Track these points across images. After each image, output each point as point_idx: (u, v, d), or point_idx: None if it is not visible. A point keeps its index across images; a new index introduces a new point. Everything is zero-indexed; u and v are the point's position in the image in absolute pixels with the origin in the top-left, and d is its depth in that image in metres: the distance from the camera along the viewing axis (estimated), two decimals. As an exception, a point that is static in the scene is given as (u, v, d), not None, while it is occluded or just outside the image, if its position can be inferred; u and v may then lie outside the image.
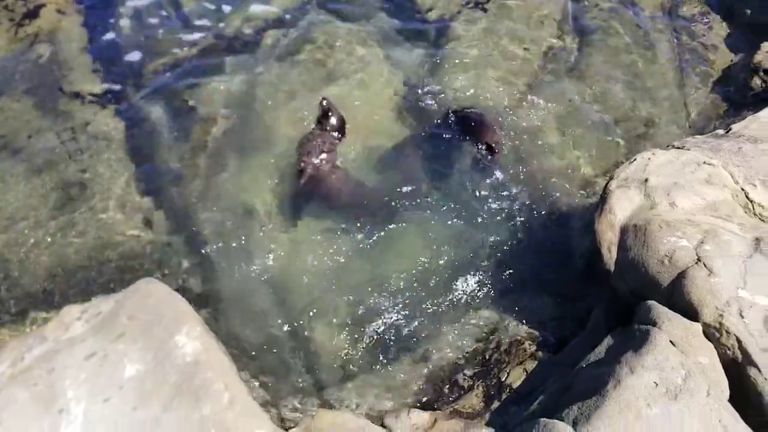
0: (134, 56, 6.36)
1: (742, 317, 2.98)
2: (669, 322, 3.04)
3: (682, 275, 3.20)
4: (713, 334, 3.01)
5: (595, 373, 3.08)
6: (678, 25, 6.48)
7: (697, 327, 3.02)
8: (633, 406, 2.71)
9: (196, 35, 6.59)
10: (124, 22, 6.77)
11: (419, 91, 5.92)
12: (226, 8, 6.91)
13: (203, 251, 4.71)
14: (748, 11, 6.30)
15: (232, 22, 6.74)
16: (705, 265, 3.17)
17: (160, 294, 3.27)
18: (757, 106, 5.02)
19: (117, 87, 6.03)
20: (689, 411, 2.69)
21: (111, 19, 6.78)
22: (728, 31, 6.34)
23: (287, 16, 6.83)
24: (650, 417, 2.68)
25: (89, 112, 5.76)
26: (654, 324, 3.07)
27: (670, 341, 2.97)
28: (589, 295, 4.19)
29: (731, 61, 5.99)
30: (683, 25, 6.48)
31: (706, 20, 6.47)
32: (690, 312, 3.10)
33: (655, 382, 2.79)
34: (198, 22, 6.74)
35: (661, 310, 3.11)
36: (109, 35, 6.60)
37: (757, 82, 5.41)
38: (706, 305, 3.06)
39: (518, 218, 4.85)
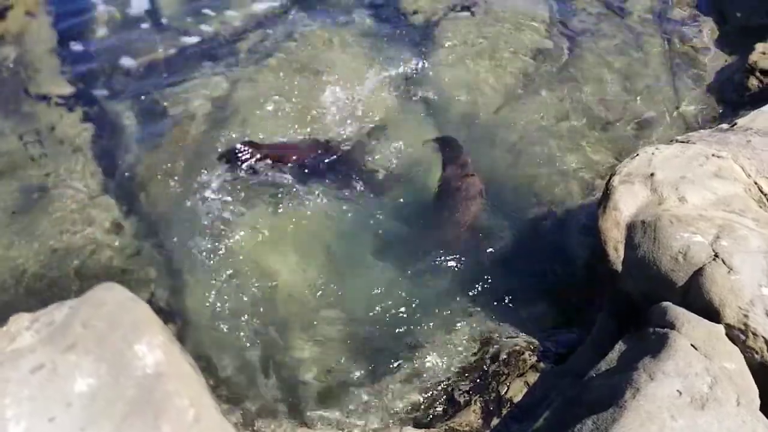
0: (105, 58, 6.03)
1: (769, 317, 2.70)
2: (688, 324, 2.75)
3: (698, 273, 2.93)
4: (738, 336, 2.73)
5: (608, 382, 2.77)
6: (668, 29, 6.35)
7: (720, 329, 2.74)
8: (656, 417, 2.40)
9: (173, 38, 6.30)
10: (97, 25, 6.45)
11: (405, 96, 5.67)
12: (204, 10, 6.62)
13: (174, 261, 4.35)
14: (739, 14, 6.19)
15: (210, 24, 6.46)
16: (724, 262, 2.90)
17: (120, 299, 2.90)
18: (754, 106, 4.81)
19: (86, 89, 5.69)
20: (719, 423, 2.39)
21: (83, 21, 6.46)
22: (719, 33, 6.21)
23: (268, 20, 6.57)
24: (675, 430, 2.37)
25: (56, 114, 5.41)
26: (671, 327, 2.78)
27: (691, 345, 2.68)
28: (591, 300, 3.90)
29: (725, 62, 5.84)
30: (674, 28, 6.35)
31: (697, 23, 6.34)
32: (710, 312, 2.82)
33: (678, 391, 2.49)
34: (174, 25, 6.46)
35: (678, 312, 2.82)
36: (81, 38, 6.27)
37: (753, 82, 5.25)
38: (728, 305, 2.79)
39: (513, 222, 4.58)
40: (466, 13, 6.59)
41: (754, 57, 5.35)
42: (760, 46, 5.43)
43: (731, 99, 5.43)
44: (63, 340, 2.72)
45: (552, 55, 6.06)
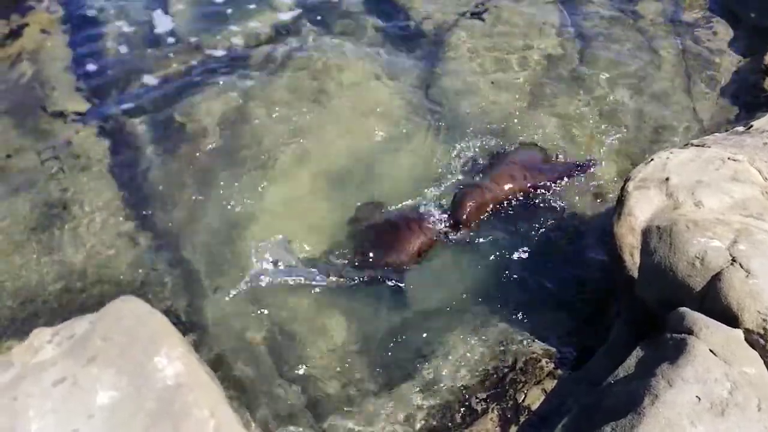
0: (120, 74, 6.15)
1: (789, 321, 2.67)
2: (707, 330, 2.72)
3: (716, 278, 2.90)
4: (757, 341, 2.70)
5: (626, 389, 2.75)
6: (681, 31, 6.32)
7: (739, 334, 2.71)
8: (675, 424, 2.38)
9: (184, 53, 6.40)
10: (111, 41, 6.59)
11: (417, 105, 5.69)
12: (216, 25, 6.73)
13: (190, 274, 4.39)
14: (752, 15, 6.15)
15: (222, 38, 6.56)
16: (741, 266, 2.87)
17: (139, 312, 2.95)
18: (771, 107, 4.81)
19: (101, 105, 5.80)
20: (740, 429, 2.36)
21: (97, 37, 6.60)
22: (732, 35, 6.17)
23: (279, 32, 6.66)
24: (696, 437, 2.35)
25: (72, 130, 5.51)
26: (690, 332, 2.75)
27: (710, 350, 2.65)
28: (608, 306, 3.87)
29: (739, 64, 5.80)
30: (686, 30, 6.32)
31: (710, 25, 6.31)
32: (728, 317, 2.79)
33: (697, 397, 2.46)
34: (186, 40, 6.56)
35: (696, 317, 2.79)
36: (95, 54, 6.40)
37: (769, 83, 5.21)
38: (747, 309, 2.75)
39: (528, 229, 4.56)
40: (476, 20, 6.61)
41: (768, 58, 5.31)
42: (774, 47, 5.40)
43: (746, 101, 5.39)
44: (84, 353, 2.77)
45: (564, 61, 6.06)
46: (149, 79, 6.14)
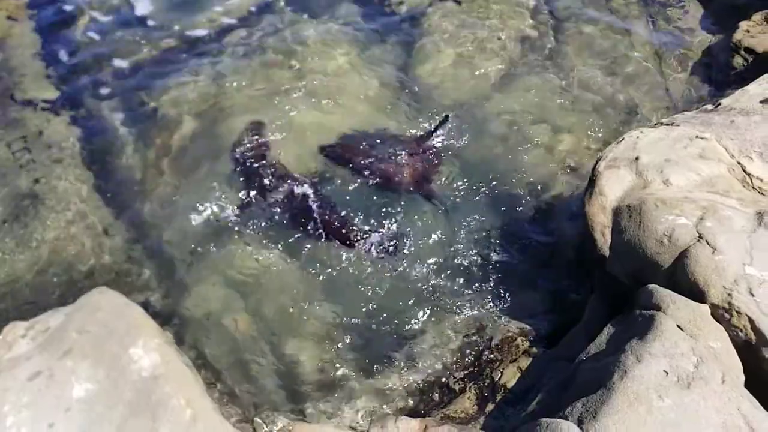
0: (92, 60, 6.02)
1: (753, 295, 2.75)
2: (674, 306, 2.79)
3: (683, 255, 2.97)
4: (722, 315, 2.77)
5: (597, 365, 2.82)
6: (653, 11, 6.36)
7: (705, 309, 2.78)
8: (643, 398, 2.45)
9: (157, 37, 6.28)
10: (80, 27, 6.43)
11: (393, 87, 5.67)
12: (190, 8, 6.60)
13: (167, 264, 4.37)
14: (722, -7, 6.20)
15: (194, 22, 6.44)
16: (708, 243, 2.94)
17: (114, 304, 2.93)
18: (740, 85, 4.84)
19: (72, 93, 5.68)
20: (705, 400, 2.44)
21: (67, 23, 6.45)
22: (704, 13, 6.23)
23: (252, 15, 6.56)
24: (663, 409, 2.42)
25: (43, 119, 5.39)
26: (658, 308, 2.83)
27: (677, 326, 2.72)
28: (581, 285, 3.95)
29: (709, 42, 5.86)
30: (658, 10, 6.36)
31: (681, 4, 6.36)
32: (695, 293, 2.86)
33: (665, 371, 2.53)
34: (159, 24, 6.44)
35: (664, 293, 2.87)
36: (64, 40, 6.26)
37: (738, 60, 5.27)
38: (713, 285, 2.83)
39: (501, 209, 4.61)
40: (452, 2, 6.57)
41: (738, 36, 5.37)
42: (743, 25, 5.45)
43: (717, 78, 5.46)
44: (59, 346, 2.75)
45: (538, 42, 6.07)
46: (122, 65, 6.02)
